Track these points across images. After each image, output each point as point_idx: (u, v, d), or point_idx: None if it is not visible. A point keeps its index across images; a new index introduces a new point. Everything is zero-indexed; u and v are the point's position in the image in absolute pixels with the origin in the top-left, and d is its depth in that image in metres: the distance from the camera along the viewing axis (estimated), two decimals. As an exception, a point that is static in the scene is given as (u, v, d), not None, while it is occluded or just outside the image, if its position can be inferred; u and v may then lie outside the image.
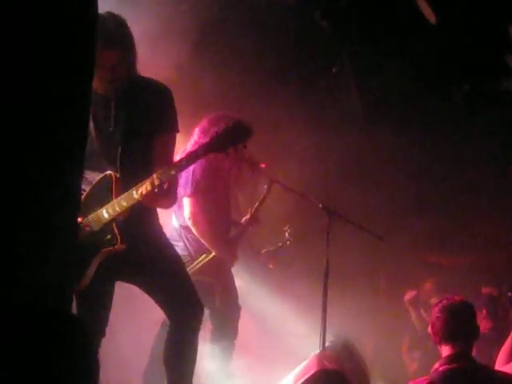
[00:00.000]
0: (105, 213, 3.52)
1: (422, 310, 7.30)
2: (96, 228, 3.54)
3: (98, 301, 3.71)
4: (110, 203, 3.52)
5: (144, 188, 3.40)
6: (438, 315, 3.96)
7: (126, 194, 3.49)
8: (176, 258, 3.90)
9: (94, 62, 2.38)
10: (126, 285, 3.87)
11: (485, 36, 6.74)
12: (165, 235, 3.91)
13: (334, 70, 7.63)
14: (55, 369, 1.58)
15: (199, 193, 4.81)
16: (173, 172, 3.43)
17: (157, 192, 3.39)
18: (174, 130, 3.72)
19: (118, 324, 3.86)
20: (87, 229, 3.54)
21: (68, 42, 2.20)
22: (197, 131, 4.93)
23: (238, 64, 6.46)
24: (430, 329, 4.04)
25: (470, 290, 6.74)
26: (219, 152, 3.42)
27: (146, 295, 3.82)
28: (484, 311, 6.41)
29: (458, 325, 3.91)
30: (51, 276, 2.26)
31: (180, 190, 4.57)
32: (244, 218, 5.26)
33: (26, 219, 2.20)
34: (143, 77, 3.74)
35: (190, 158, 3.46)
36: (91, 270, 3.53)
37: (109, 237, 3.53)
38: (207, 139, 3.50)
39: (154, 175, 3.41)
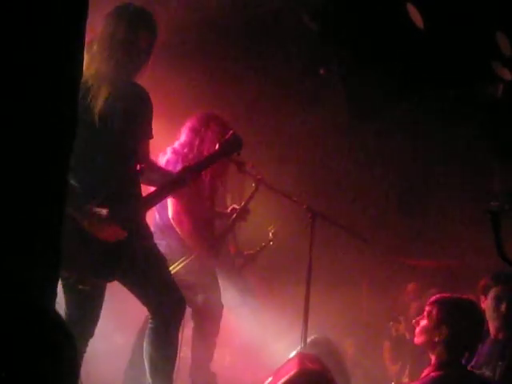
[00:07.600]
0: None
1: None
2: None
3: (100, 299, 3.78)
4: None
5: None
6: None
7: None
8: (157, 253, 3.91)
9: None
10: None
11: (471, 42, 6.80)
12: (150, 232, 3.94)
13: (321, 71, 7.67)
14: (34, 374, 1.54)
15: (183, 193, 4.82)
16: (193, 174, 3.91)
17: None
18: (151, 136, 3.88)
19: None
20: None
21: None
22: (186, 130, 4.96)
23: (222, 64, 6.48)
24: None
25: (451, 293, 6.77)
26: (227, 157, 4.18)
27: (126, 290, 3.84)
28: None
29: None
30: (35, 271, 2.26)
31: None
32: (230, 208, 5.28)
33: (8, 213, 2.19)
34: (133, 81, 3.78)
35: (207, 161, 4.05)
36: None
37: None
38: (214, 146, 4.09)
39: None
